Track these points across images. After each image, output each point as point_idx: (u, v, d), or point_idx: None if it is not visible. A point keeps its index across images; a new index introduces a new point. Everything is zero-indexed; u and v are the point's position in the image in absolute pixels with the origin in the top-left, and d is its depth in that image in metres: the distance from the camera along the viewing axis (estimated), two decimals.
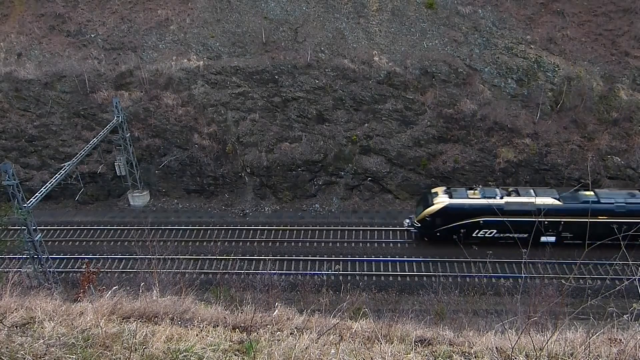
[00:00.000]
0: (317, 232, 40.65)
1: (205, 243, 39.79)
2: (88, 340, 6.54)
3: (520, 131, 41.36)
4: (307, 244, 39.50)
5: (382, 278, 36.52)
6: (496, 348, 6.66)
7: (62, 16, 45.24)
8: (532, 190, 37.33)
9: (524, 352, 6.38)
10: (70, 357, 6.09)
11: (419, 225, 37.97)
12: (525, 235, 35.29)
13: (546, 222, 35.51)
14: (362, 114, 42.83)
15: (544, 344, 6.35)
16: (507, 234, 36.30)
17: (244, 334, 7.13)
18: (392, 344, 6.94)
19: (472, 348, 6.89)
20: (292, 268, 37.41)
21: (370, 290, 33.63)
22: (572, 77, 41.52)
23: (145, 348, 6.48)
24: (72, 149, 42.54)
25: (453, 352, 6.75)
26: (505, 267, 36.43)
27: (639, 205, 35.40)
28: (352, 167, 43.50)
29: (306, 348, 6.48)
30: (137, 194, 44.63)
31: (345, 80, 42.29)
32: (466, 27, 43.03)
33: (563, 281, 33.05)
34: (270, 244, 39.65)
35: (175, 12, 44.91)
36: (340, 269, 37.30)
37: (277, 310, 8.20)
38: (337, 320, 7.75)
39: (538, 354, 6.17)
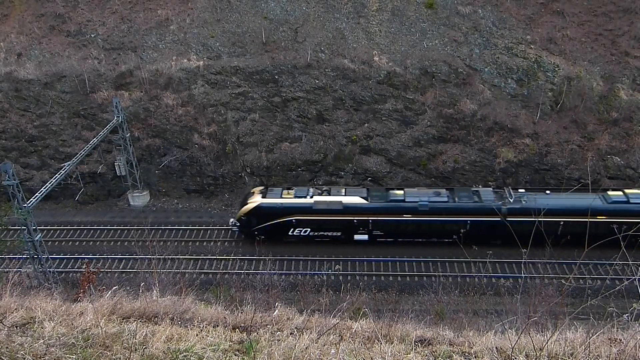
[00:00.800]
0: None
1: (205, 243, 39.79)
2: (88, 340, 6.54)
3: (520, 131, 41.36)
4: (307, 244, 39.46)
5: (382, 278, 36.54)
6: (496, 348, 6.67)
7: (62, 16, 45.25)
8: (343, 190, 38.16)
9: (524, 352, 6.38)
10: (70, 357, 6.09)
11: (239, 224, 38.68)
12: (339, 234, 36.91)
13: (356, 221, 36.64)
14: (362, 114, 42.84)
15: (544, 344, 6.35)
16: (321, 232, 37.71)
17: (244, 334, 7.14)
18: (392, 344, 6.94)
19: (472, 348, 6.89)
20: (292, 268, 37.41)
21: (370, 290, 33.64)
22: (572, 77, 41.52)
23: (145, 348, 6.48)
24: (72, 149, 42.54)
25: (453, 352, 6.75)
26: (505, 267, 36.43)
27: (441, 204, 36.47)
28: (352, 167, 43.50)
29: (306, 348, 6.48)
30: (137, 194, 44.61)
31: (345, 80, 42.30)
32: (466, 27, 43.03)
33: (563, 281, 33.07)
34: (270, 244, 39.63)
35: (175, 12, 44.92)
36: (340, 269, 37.31)
37: (277, 310, 8.21)
38: (337, 320, 7.75)
39: (538, 354, 6.17)
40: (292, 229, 37.83)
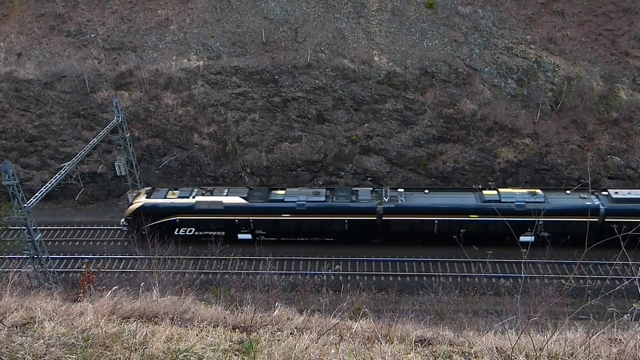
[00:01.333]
0: None
1: (205, 243, 39.74)
2: (88, 340, 6.54)
3: (520, 131, 41.35)
4: (308, 244, 39.45)
5: (382, 278, 36.53)
6: (496, 348, 6.67)
7: (62, 16, 45.25)
8: (225, 190, 38.68)
9: (524, 352, 6.38)
10: (70, 357, 6.08)
11: (126, 223, 39.00)
12: (222, 233, 37.37)
13: (237, 221, 37.25)
14: (362, 114, 42.83)
15: (544, 344, 6.35)
16: (205, 232, 38.13)
17: (244, 334, 7.14)
18: (392, 344, 6.94)
19: (472, 348, 6.89)
20: (292, 268, 37.41)
21: (370, 290, 33.64)
22: (572, 77, 41.52)
23: (145, 348, 6.48)
24: (72, 149, 42.54)
25: (453, 352, 6.75)
26: (505, 267, 36.43)
27: (319, 204, 37.11)
28: (352, 167, 43.49)
29: (306, 348, 6.48)
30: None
31: (345, 80, 42.30)
32: (466, 27, 43.03)
33: (563, 281, 33.08)
34: (270, 244, 39.60)
35: (175, 12, 44.92)
36: (340, 269, 37.31)
37: (277, 310, 8.21)
38: (337, 320, 7.75)
39: (538, 354, 6.17)
40: (176, 229, 38.33)
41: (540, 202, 35.36)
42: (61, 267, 38.01)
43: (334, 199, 37.41)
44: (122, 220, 39.68)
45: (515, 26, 43.02)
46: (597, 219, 35.16)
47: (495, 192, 37.39)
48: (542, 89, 41.35)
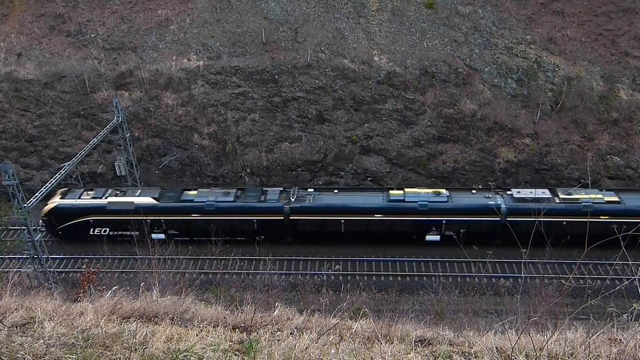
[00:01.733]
0: None
1: (205, 243, 39.72)
2: (88, 340, 6.54)
3: (520, 131, 41.36)
4: (308, 243, 39.42)
5: (382, 278, 36.52)
6: (496, 348, 6.67)
7: (62, 16, 45.24)
8: (138, 191, 39.14)
9: (524, 352, 6.38)
10: (70, 357, 6.09)
11: (44, 224, 39.17)
12: (136, 233, 36.92)
13: (149, 221, 37.17)
14: (362, 114, 42.83)
15: (544, 344, 6.35)
16: (119, 232, 38.39)
17: (244, 334, 7.14)
18: (392, 344, 6.94)
19: (472, 348, 6.89)
20: (292, 268, 37.40)
21: (370, 290, 33.63)
22: (572, 77, 41.52)
23: (145, 348, 6.48)
24: (72, 149, 42.53)
25: (453, 352, 6.75)
26: (505, 267, 36.43)
27: (227, 204, 37.58)
28: (352, 167, 43.49)
29: (306, 348, 6.48)
30: None
31: (345, 80, 42.30)
32: (466, 27, 43.03)
33: (563, 281, 33.04)
34: (270, 244, 39.58)
35: (175, 12, 44.92)
36: (340, 269, 37.30)
37: (277, 310, 8.21)
38: (337, 320, 7.75)
39: (538, 354, 6.17)
40: (91, 229, 38.61)
41: (444, 202, 36.48)
42: (61, 267, 38.00)
43: (243, 199, 37.99)
44: (40, 220, 39.89)
45: (515, 26, 43.03)
46: (498, 218, 35.84)
47: (402, 192, 37.94)
48: (542, 89, 41.35)
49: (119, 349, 6.36)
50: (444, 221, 36.57)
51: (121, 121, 40.10)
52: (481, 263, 35.16)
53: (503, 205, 35.99)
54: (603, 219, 35.15)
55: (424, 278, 36.00)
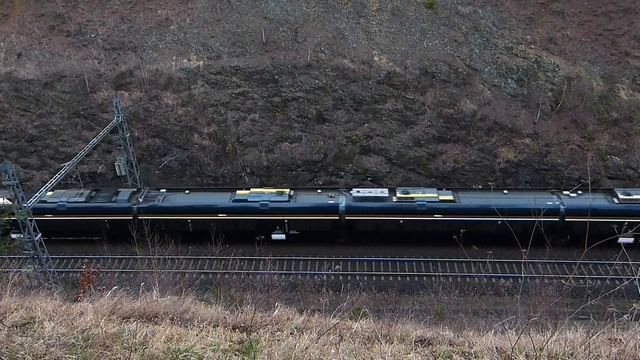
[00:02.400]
0: None
1: (205, 243, 39.72)
2: (88, 340, 6.54)
3: (520, 131, 41.36)
4: (308, 244, 39.41)
5: (382, 278, 36.51)
6: (496, 348, 6.66)
7: (62, 16, 45.24)
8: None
9: (524, 352, 6.37)
10: (70, 357, 6.08)
11: None
12: None
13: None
14: (362, 114, 42.83)
15: (544, 344, 6.35)
16: None
17: (244, 334, 7.13)
18: (392, 344, 6.94)
19: (472, 348, 6.88)
20: (292, 268, 37.41)
21: (370, 290, 33.63)
22: (572, 77, 41.52)
23: (145, 348, 6.48)
24: (72, 149, 42.53)
25: (453, 352, 6.75)
26: (505, 267, 36.44)
27: (78, 204, 38.25)
28: (352, 167, 43.49)
29: (306, 348, 6.48)
30: None
31: (345, 80, 42.29)
32: (466, 27, 43.03)
33: (563, 281, 33.02)
34: (270, 244, 39.57)
35: (175, 12, 44.92)
36: (340, 269, 37.30)
37: (277, 310, 8.20)
38: (337, 320, 7.74)
39: (538, 354, 6.17)
40: None
41: (285, 202, 37.80)
42: (61, 267, 38.01)
43: (95, 200, 38.71)
44: None
45: (515, 26, 43.02)
46: (337, 217, 37.02)
47: (248, 192, 38.89)
48: (542, 89, 41.35)
49: (119, 349, 6.36)
50: (286, 220, 37.81)
51: (121, 121, 40.09)
52: (481, 263, 35.18)
53: (342, 205, 37.21)
54: (437, 217, 36.31)
55: (424, 278, 36.01)
